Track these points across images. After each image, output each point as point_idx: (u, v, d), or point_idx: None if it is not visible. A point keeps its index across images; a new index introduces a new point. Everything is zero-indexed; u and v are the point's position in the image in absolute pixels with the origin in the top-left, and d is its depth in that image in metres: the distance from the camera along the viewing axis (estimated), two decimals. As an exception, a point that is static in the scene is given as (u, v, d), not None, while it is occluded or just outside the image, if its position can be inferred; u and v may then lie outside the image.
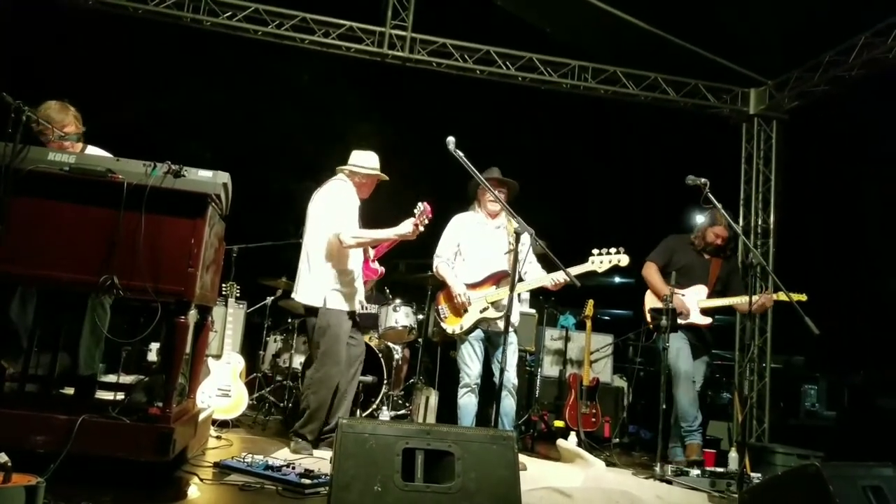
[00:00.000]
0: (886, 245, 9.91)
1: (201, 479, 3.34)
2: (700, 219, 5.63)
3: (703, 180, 4.00)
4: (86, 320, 3.48)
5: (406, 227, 4.36)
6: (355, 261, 4.61)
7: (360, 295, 4.68)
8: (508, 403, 4.67)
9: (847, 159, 9.27)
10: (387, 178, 4.74)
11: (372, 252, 4.80)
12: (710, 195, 4.02)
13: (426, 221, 4.32)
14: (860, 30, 6.27)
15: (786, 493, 2.94)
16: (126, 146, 4.12)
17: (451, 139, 3.76)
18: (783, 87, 7.34)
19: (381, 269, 4.90)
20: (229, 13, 7.11)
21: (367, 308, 5.48)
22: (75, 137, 3.83)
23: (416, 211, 4.32)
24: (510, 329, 4.55)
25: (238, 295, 5.65)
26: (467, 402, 4.73)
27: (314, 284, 4.49)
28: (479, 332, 4.77)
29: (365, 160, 4.70)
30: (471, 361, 4.75)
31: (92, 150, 3.98)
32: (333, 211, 4.49)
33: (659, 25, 7.13)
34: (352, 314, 4.62)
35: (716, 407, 7.79)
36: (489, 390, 4.70)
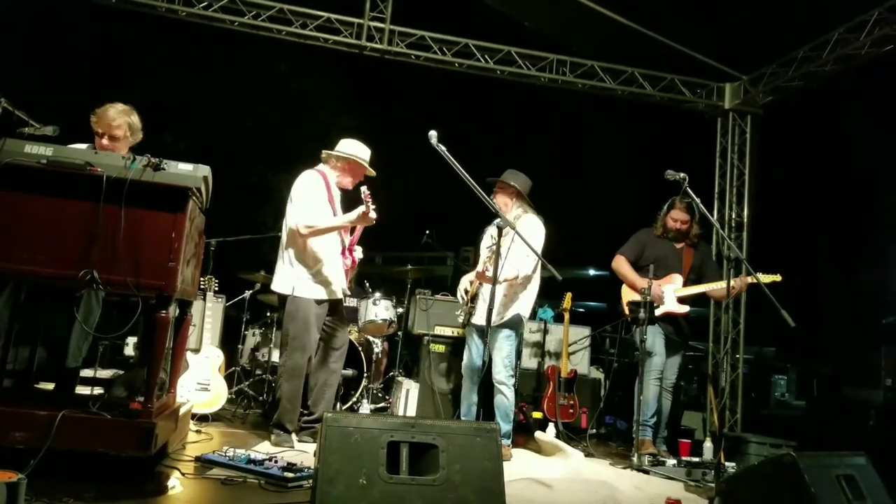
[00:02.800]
0: (855, 237, 10.12)
1: (183, 474, 3.33)
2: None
3: (682, 175, 4.05)
4: (79, 315, 3.43)
5: (355, 214, 4.37)
6: (326, 249, 4.56)
7: (338, 284, 4.63)
8: (497, 399, 4.74)
9: (820, 153, 9.43)
10: (373, 172, 4.72)
11: (348, 240, 4.74)
12: (688, 189, 4.07)
13: (371, 205, 4.31)
14: (834, 26, 6.37)
15: (762, 482, 3.00)
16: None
17: (433, 133, 3.76)
18: (758, 82, 7.44)
19: (357, 258, 4.83)
20: (205, 3, 7.02)
21: (347, 299, 5.45)
22: (51, 130, 3.71)
23: (362, 197, 4.34)
24: (497, 323, 4.62)
25: (216, 289, 5.62)
26: (461, 395, 4.96)
27: (284, 273, 4.53)
28: (472, 326, 4.95)
29: (346, 146, 4.69)
30: (465, 354, 4.98)
31: None
32: (295, 201, 4.52)
33: (636, 20, 7.18)
34: (330, 303, 4.61)
35: (689, 398, 7.91)
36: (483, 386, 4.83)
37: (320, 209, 4.51)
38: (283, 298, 4.54)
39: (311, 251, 4.51)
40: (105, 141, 3.80)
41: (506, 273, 4.58)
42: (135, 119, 3.91)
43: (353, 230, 4.71)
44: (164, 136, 7.97)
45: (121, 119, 3.83)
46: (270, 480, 3.30)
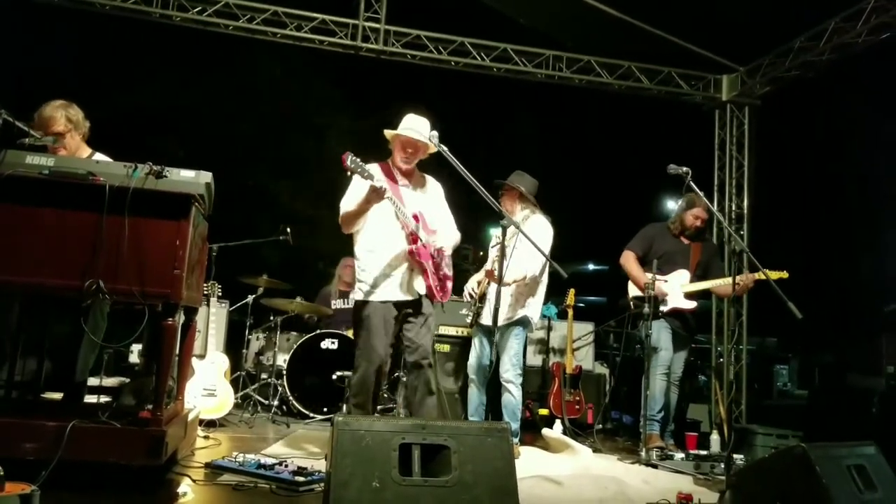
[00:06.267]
0: (856, 225, 10.13)
1: (194, 481, 3.33)
2: (672, 205, 5.73)
3: (684, 169, 4.04)
4: (87, 328, 3.42)
5: (363, 194, 3.90)
6: (385, 245, 4.06)
7: (408, 281, 4.05)
8: (505, 398, 4.76)
9: (819, 143, 9.43)
10: (418, 137, 4.05)
11: (415, 227, 4.06)
12: (691, 184, 4.07)
13: (366, 174, 3.76)
14: (830, 15, 6.36)
15: (773, 474, 3.00)
16: (98, 145, 4.07)
17: (434, 133, 3.77)
18: (755, 73, 7.43)
19: (435, 246, 4.14)
20: (199, 8, 7.00)
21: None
22: (52, 140, 3.68)
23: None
24: (503, 323, 4.64)
25: (220, 294, 5.62)
26: (468, 394, 4.99)
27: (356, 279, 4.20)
28: (479, 325, 4.96)
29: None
30: (471, 353, 5.00)
31: (99, 157, 3.86)
32: None
33: (631, 14, 7.16)
34: (404, 304, 4.07)
35: (694, 390, 7.91)
36: (490, 386, 4.84)
37: (352, 199, 4.06)
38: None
39: (367, 249, 4.11)
40: (58, 145, 3.70)
41: (514, 274, 4.60)
42: (73, 111, 3.83)
43: (415, 219, 4.09)
44: (162, 142, 7.95)
45: (56, 113, 3.76)
46: (282, 485, 3.30)
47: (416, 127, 4.10)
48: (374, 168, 4.07)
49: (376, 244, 4.08)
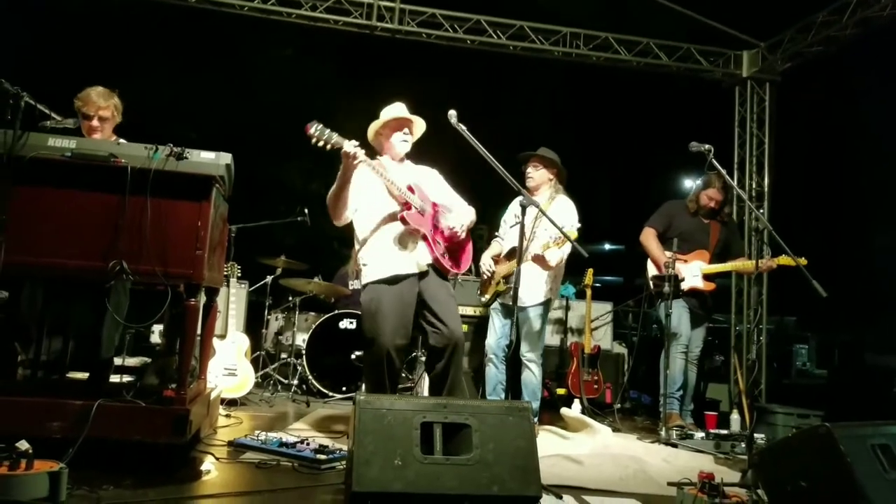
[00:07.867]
0: (875, 203, 10.01)
1: (217, 459, 3.37)
2: (689, 183, 5.68)
3: (707, 146, 3.98)
4: (109, 305, 3.45)
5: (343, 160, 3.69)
6: (380, 223, 3.91)
7: (410, 254, 3.86)
8: (525, 376, 4.76)
9: (840, 119, 9.29)
10: (403, 115, 4.04)
11: (407, 195, 3.89)
12: (714, 161, 4.01)
13: (324, 137, 3.59)
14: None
15: (796, 454, 2.97)
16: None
17: (452, 113, 3.73)
18: (776, 48, 7.32)
19: (433, 217, 3.97)
20: (214, -11, 6.98)
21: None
22: (72, 122, 3.70)
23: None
24: (527, 303, 4.62)
25: (239, 275, 5.65)
26: (487, 373, 4.95)
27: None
28: (497, 305, 4.92)
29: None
30: (490, 332, 4.97)
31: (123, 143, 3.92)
32: None
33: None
34: (412, 278, 3.84)
35: (712, 369, 7.89)
36: (508, 366, 4.84)
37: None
38: None
39: (365, 232, 3.97)
40: (94, 122, 3.89)
41: (555, 256, 4.58)
42: (117, 100, 4.01)
43: (409, 189, 3.92)
44: (179, 125, 7.97)
45: (108, 102, 3.93)
46: (304, 463, 3.33)
47: (398, 110, 4.07)
48: (359, 175, 3.85)
49: (373, 224, 3.93)
